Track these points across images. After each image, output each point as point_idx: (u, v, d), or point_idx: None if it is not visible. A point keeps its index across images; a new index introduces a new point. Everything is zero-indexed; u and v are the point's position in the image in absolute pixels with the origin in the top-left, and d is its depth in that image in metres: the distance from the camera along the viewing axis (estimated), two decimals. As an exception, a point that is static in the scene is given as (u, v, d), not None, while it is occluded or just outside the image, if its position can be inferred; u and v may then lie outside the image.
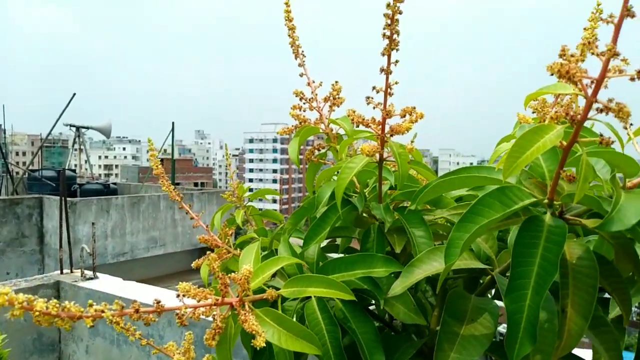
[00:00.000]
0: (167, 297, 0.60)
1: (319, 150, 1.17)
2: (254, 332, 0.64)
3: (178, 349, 1.13)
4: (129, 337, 1.04)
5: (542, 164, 0.66)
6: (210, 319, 0.68)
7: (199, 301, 0.67)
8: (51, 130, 12.78)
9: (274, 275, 0.89)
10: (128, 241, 9.84)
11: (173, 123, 13.89)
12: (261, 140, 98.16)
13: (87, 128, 16.45)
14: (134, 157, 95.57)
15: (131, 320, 1.03)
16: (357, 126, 0.85)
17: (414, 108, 0.84)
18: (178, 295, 0.63)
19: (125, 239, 9.79)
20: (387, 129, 0.86)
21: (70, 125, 15.64)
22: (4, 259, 9.01)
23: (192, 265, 1.06)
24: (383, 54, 0.81)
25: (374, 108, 0.84)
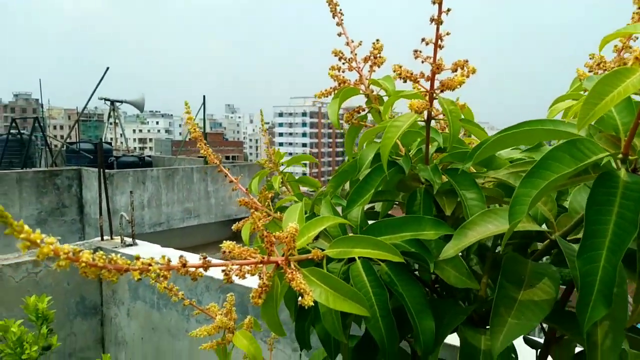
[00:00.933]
0: (191, 260, 0.59)
1: (359, 112, 1.13)
2: (301, 291, 0.62)
3: (220, 310, 1.14)
4: (172, 297, 1.05)
5: (615, 115, 0.60)
6: (247, 284, 0.66)
7: (244, 259, 0.66)
8: (87, 103, 13.07)
9: (316, 238, 0.87)
10: (164, 212, 10.09)
11: (204, 97, 13.99)
12: (290, 114, 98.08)
13: (121, 102, 16.75)
14: (167, 131, 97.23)
15: (173, 283, 1.04)
16: (405, 81, 0.81)
17: (466, 61, 0.79)
18: (224, 252, 0.62)
19: (161, 210, 10.04)
20: (435, 85, 0.81)
21: (105, 99, 15.96)
22: (46, 227, 9.39)
23: (232, 227, 1.05)
24: (434, 2, 0.75)
25: (422, 62, 0.79)
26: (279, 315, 0.70)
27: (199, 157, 14.72)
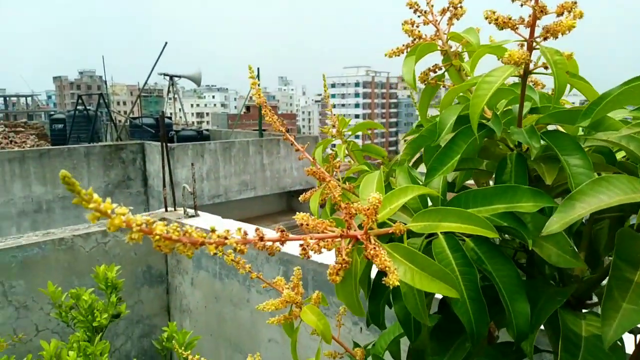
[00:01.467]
0: (269, 235, 0.53)
1: (435, 71, 1.02)
2: (385, 269, 0.55)
3: (287, 284, 1.10)
4: (239, 269, 1.01)
5: None
6: (312, 257, 0.60)
7: (320, 232, 0.59)
8: (147, 79, 13.47)
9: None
10: (222, 184, 10.34)
11: (258, 69, 14.03)
12: (343, 84, 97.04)
13: (179, 77, 17.16)
14: (222, 105, 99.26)
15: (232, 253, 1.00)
16: (502, 29, 0.70)
17: (575, 3, 0.67)
18: (301, 225, 0.55)
19: (219, 182, 10.30)
20: (536, 32, 0.70)
21: (164, 75, 16.39)
22: (113, 199, 9.67)
23: (299, 198, 0.99)
24: None
25: (521, 5, 0.67)
26: (359, 292, 0.64)
27: (254, 130, 14.91)
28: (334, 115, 1.34)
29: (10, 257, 2.51)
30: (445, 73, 1.03)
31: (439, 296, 0.74)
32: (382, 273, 0.76)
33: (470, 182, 1.12)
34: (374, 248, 0.56)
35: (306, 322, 1.00)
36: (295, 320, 1.07)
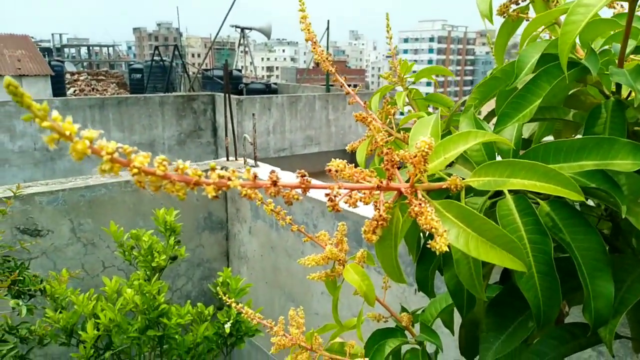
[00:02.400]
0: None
1: (517, 3, 0.86)
2: (431, 230, 0.45)
3: (330, 239, 1.02)
4: (279, 221, 0.94)
5: None
6: (364, 213, 0.50)
7: (356, 182, 0.49)
8: (218, 31, 13.57)
9: (450, 164, 0.67)
10: (287, 138, 10.40)
11: (328, 21, 13.70)
12: (417, 39, 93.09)
13: (250, 29, 17.16)
14: (292, 59, 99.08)
15: (287, 208, 0.92)
16: None
17: None
18: (329, 171, 0.46)
19: (285, 136, 10.36)
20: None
21: (235, 27, 16.46)
22: (185, 148, 10.26)
23: (346, 148, 0.89)
24: None
25: None
26: (398, 255, 0.54)
27: (321, 85, 14.74)
28: (396, 59, 1.20)
29: (78, 197, 2.64)
30: (530, 5, 0.86)
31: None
32: (432, 235, 0.65)
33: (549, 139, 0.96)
34: (419, 204, 0.45)
35: (348, 281, 0.92)
36: (338, 277, 1.00)
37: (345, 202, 0.49)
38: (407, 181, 0.51)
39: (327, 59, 0.88)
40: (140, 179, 0.34)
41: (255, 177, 0.40)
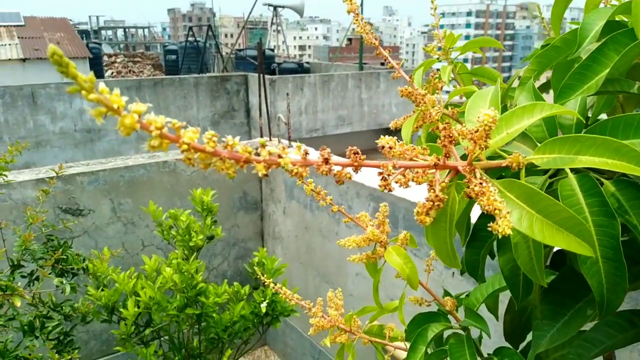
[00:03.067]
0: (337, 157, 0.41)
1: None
2: (494, 212, 0.41)
3: (372, 220, 0.99)
4: (320, 201, 0.92)
5: None
6: (400, 194, 0.46)
7: (409, 160, 0.46)
8: (251, 9, 13.52)
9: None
10: (319, 118, 10.35)
11: (362, -3, 13.40)
12: (453, 14, 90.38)
13: (283, 7, 17.02)
14: (324, 37, 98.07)
15: (322, 186, 0.89)
16: None
17: None
18: (382, 148, 0.42)
19: (317, 116, 10.30)
20: None
21: (268, 5, 16.36)
22: (218, 129, 10.36)
23: (390, 125, 0.86)
24: None
25: None
26: (453, 238, 0.50)
27: (354, 63, 14.54)
28: (440, 31, 1.14)
29: (118, 177, 2.69)
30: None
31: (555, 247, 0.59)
32: (486, 215, 0.62)
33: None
34: (480, 184, 0.41)
35: (390, 263, 0.89)
36: (379, 260, 0.97)
37: (396, 182, 0.46)
38: (463, 158, 0.47)
39: (370, 31, 0.84)
40: (189, 156, 0.32)
41: (307, 154, 0.37)
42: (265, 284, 1.28)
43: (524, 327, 0.94)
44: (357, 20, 0.85)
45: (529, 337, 0.94)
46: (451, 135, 0.43)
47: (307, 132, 10.22)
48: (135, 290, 2.12)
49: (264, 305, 2.12)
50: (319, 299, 1.18)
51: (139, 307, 2.06)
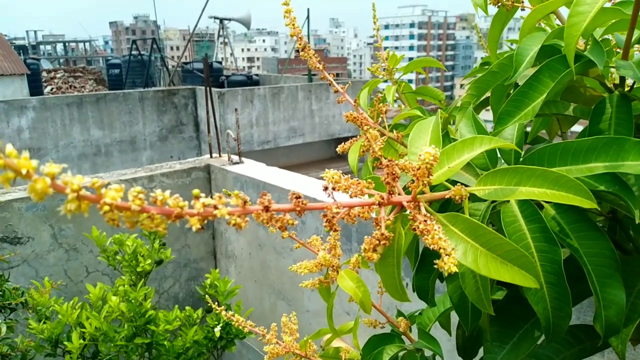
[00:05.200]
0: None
1: (510, -8, 0.81)
2: (438, 250, 0.41)
3: (323, 244, 0.98)
4: (269, 228, 0.90)
5: None
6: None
7: (353, 197, 0.45)
8: (197, 22, 13.36)
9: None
10: (271, 130, 10.30)
11: (308, 10, 13.57)
12: (397, 25, 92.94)
13: (229, 20, 16.94)
14: (273, 49, 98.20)
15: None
16: None
17: None
18: (326, 189, 0.41)
19: (268, 128, 10.26)
20: None
21: (215, 18, 16.23)
22: (167, 144, 10.11)
23: (337, 149, 0.85)
24: None
25: None
26: (401, 273, 0.50)
27: (303, 75, 14.62)
28: (384, 51, 1.16)
29: (58, 201, 2.55)
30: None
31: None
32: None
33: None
34: (425, 221, 0.41)
35: (343, 288, 0.88)
36: (332, 284, 0.96)
37: (343, 219, 0.45)
38: (407, 192, 0.47)
39: (313, 55, 0.83)
40: (113, 217, 0.29)
41: (245, 203, 0.35)
42: (219, 311, 1.24)
43: (475, 341, 0.95)
44: (300, 44, 0.84)
45: (481, 352, 0.96)
46: (394, 172, 0.43)
47: (259, 144, 10.15)
48: (79, 321, 2.01)
49: (217, 330, 2.05)
50: (273, 324, 1.15)
51: (84, 339, 1.95)
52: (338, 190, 0.46)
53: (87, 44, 38.85)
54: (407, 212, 0.46)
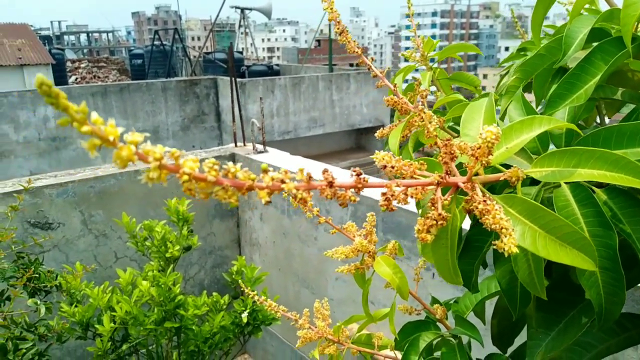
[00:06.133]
0: (337, 174, 0.39)
1: (556, -26, 0.80)
2: (499, 230, 0.40)
3: (359, 230, 0.98)
4: (306, 212, 0.90)
5: None
6: (377, 196, 0.45)
7: (406, 178, 0.45)
8: (219, 12, 13.39)
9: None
10: (291, 120, 10.30)
11: (330, -1, 13.43)
12: (419, 14, 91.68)
13: (250, 9, 16.93)
14: (293, 39, 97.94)
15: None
16: None
17: None
18: (384, 167, 0.41)
19: (289, 118, 10.25)
20: None
21: (235, 7, 16.23)
22: (189, 133, 10.21)
23: (375, 134, 0.85)
24: None
25: None
26: (455, 255, 0.49)
27: (324, 65, 14.56)
28: (418, 36, 1.14)
29: (88, 188, 2.60)
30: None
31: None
32: (479, 227, 0.61)
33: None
34: (485, 201, 0.41)
35: (380, 274, 0.88)
36: (367, 270, 0.96)
37: (396, 200, 0.45)
38: (462, 174, 0.46)
39: (352, 39, 0.83)
40: (190, 187, 0.30)
41: (310, 178, 0.35)
42: (248, 295, 1.26)
43: (511, 330, 0.95)
44: (338, 28, 0.84)
45: (517, 340, 0.95)
46: (452, 152, 0.42)
47: (279, 134, 10.17)
48: (110, 305, 2.05)
49: (245, 315, 2.08)
50: (305, 310, 1.16)
51: (114, 323, 2.00)
52: (391, 171, 0.46)
53: (110, 35, 39.34)
54: (462, 194, 0.46)
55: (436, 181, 0.42)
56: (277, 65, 14.56)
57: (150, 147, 0.29)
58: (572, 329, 0.64)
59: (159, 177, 0.29)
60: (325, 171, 0.37)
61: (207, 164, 0.31)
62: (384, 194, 0.41)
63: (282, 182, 0.34)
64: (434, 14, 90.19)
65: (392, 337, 1.14)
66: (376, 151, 0.48)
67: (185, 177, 0.29)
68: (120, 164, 0.27)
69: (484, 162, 0.42)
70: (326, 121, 10.78)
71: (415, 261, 2.12)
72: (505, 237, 0.40)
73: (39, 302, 1.57)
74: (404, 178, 0.46)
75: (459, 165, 0.54)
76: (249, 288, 1.31)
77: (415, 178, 0.44)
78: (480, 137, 0.41)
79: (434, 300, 0.99)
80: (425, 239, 0.46)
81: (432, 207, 0.44)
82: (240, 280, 2.01)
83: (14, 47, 13.83)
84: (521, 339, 0.89)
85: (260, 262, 3.22)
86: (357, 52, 0.84)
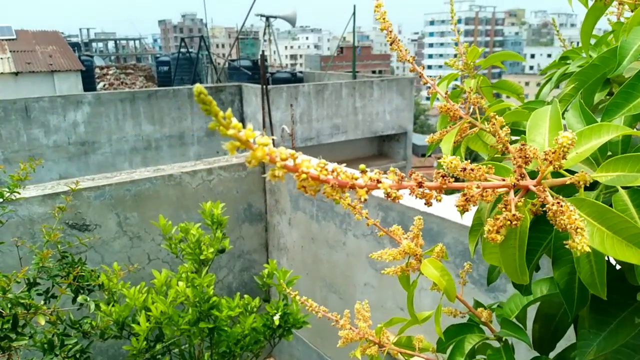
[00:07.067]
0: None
1: (608, -15, 0.81)
2: (574, 230, 0.43)
3: (405, 233, 1.00)
4: (356, 215, 0.93)
5: None
6: (407, 203, 0.47)
7: (477, 180, 0.47)
8: (245, 20, 13.60)
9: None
10: (314, 127, 10.35)
11: (354, 7, 13.54)
12: (443, 21, 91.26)
13: (275, 17, 17.14)
14: (316, 47, 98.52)
15: (328, 200, 0.90)
16: None
17: None
18: (463, 170, 0.44)
19: (312, 125, 10.31)
20: None
21: (261, 15, 16.46)
22: (214, 139, 10.34)
23: (425, 140, 0.87)
24: None
25: None
26: (524, 255, 0.52)
27: (347, 72, 14.62)
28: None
29: (124, 191, 2.68)
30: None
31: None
32: (534, 228, 0.63)
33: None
34: (558, 203, 0.43)
35: (427, 276, 0.90)
36: (413, 273, 0.99)
37: (467, 200, 0.47)
38: (532, 177, 0.49)
39: (404, 48, 0.86)
40: (305, 184, 0.33)
41: (402, 178, 0.38)
42: (280, 298, 1.29)
43: (553, 335, 0.96)
44: (390, 37, 0.87)
45: (559, 345, 0.96)
46: (527, 156, 0.45)
47: (302, 141, 10.22)
48: (145, 305, 2.11)
49: (277, 318, 2.11)
50: (346, 311, 1.19)
51: (149, 322, 2.05)
52: (469, 175, 0.48)
53: (137, 42, 40.23)
54: (532, 196, 0.48)
55: (512, 183, 0.45)
56: (301, 72, 14.68)
57: (275, 149, 0.32)
58: (624, 329, 0.66)
59: (281, 176, 0.32)
60: (411, 172, 0.40)
61: (318, 165, 0.34)
62: (463, 194, 0.43)
63: (378, 182, 0.37)
64: (459, 21, 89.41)
65: (431, 341, 1.15)
66: (443, 156, 0.51)
67: (304, 176, 0.32)
68: (254, 162, 0.31)
69: (556, 166, 0.45)
70: (349, 128, 10.80)
71: (451, 266, 2.13)
72: (578, 236, 0.43)
73: (88, 299, 1.63)
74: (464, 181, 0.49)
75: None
76: (288, 289, 1.35)
77: (491, 181, 0.46)
78: (557, 142, 0.43)
79: (477, 304, 1.01)
80: (495, 239, 0.49)
81: (504, 209, 0.47)
82: (278, 282, 2.04)
83: (46, 54, 14.27)
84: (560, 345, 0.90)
85: (288, 267, 3.25)
86: (409, 60, 0.87)
